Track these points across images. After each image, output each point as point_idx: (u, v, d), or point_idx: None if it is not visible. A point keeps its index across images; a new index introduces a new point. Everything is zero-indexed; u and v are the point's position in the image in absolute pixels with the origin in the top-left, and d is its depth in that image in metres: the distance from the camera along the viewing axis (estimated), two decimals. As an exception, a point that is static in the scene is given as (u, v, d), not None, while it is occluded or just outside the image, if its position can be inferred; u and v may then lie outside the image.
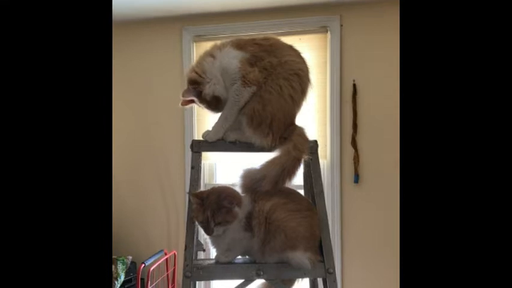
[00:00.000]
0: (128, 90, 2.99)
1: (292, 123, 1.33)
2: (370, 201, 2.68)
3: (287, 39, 1.37)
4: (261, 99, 1.26)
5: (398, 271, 0.90)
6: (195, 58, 2.83)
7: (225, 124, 1.31)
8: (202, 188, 1.33)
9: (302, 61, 1.33)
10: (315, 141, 1.34)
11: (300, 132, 1.31)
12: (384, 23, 2.62)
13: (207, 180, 2.92)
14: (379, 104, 2.65)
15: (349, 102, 2.68)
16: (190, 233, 1.27)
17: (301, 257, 1.21)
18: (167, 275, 2.76)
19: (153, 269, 2.52)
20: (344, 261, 2.72)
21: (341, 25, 2.68)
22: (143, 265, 2.46)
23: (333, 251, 1.29)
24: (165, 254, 2.73)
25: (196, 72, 1.31)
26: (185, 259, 1.23)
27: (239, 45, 1.31)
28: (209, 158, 2.85)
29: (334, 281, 1.23)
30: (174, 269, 2.82)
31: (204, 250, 1.40)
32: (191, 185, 1.31)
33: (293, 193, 1.31)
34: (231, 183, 1.31)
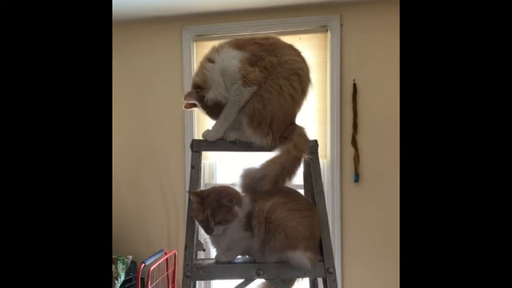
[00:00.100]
0: (128, 90, 2.99)
1: (292, 122, 1.33)
2: (370, 201, 2.68)
3: (287, 39, 1.37)
4: (261, 99, 1.26)
5: (398, 271, 0.90)
6: (195, 58, 2.85)
7: (225, 124, 1.31)
8: (202, 188, 1.33)
9: (302, 60, 1.33)
10: (315, 141, 1.34)
11: (300, 131, 1.31)
12: (384, 22, 2.62)
13: (207, 180, 2.92)
14: (379, 103, 2.65)
15: (349, 102, 2.68)
16: (190, 233, 1.27)
17: (301, 256, 1.21)
18: (167, 274, 2.76)
19: (153, 269, 2.52)
20: (344, 261, 2.72)
21: (341, 24, 2.67)
22: (143, 265, 2.46)
23: (333, 250, 1.29)
24: (165, 254, 2.73)
25: (200, 79, 1.32)
26: (185, 259, 1.23)
27: (238, 45, 1.31)
28: (209, 158, 2.85)
29: (334, 280, 1.23)
30: (174, 269, 2.82)
31: (204, 250, 1.40)
32: (191, 184, 1.31)
33: (293, 193, 1.31)
34: (231, 182, 1.31)
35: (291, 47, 1.34)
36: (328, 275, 1.23)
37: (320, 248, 1.26)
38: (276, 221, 1.21)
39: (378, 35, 2.64)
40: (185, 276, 1.22)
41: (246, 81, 1.25)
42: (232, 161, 2.82)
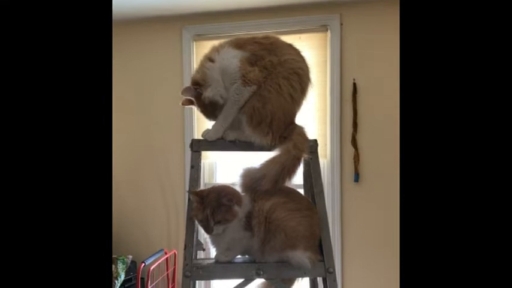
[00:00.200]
0: (127, 90, 2.99)
1: (292, 122, 1.32)
2: (370, 201, 2.68)
3: (287, 38, 1.37)
4: (261, 98, 1.26)
5: (398, 271, 0.90)
6: (195, 57, 2.85)
7: (225, 123, 1.30)
8: (202, 187, 1.33)
9: (302, 60, 1.33)
10: (315, 141, 1.34)
11: (300, 131, 1.30)
12: (384, 22, 2.62)
13: (207, 180, 2.92)
14: (379, 102, 2.65)
15: (349, 101, 2.68)
16: (190, 232, 1.27)
17: (301, 256, 1.21)
18: (167, 274, 2.76)
19: (153, 269, 2.52)
20: (344, 261, 2.72)
21: (341, 24, 2.67)
22: (143, 264, 2.46)
23: (333, 250, 1.29)
24: (165, 254, 2.73)
25: (200, 76, 1.31)
26: (185, 258, 1.23)
27: (238, 44, 1.31)
28: (209, 157, 2.85)
29: (334, 280, 1.23)
30: (174, 269, 2.82)
31: (204, 249, 1.40)
32: (191, 184, 1.31)
33: (293, 192, 1.30)
34: (231, 182, 1.31)
35: (290, 46, 1.34)
36: (328, 274, 1.23)
37: (320, 248, 1.26)
38: (276, 220, 1.20)
39: (378, 35, 2.64)
40: (185, 276, 1.22)
41: (245, 81, 1.25)
42: (232, 160, 2.82)
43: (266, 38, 1.33)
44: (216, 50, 1.32)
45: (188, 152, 2.78)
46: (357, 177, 2.66)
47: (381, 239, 2.65)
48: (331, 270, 1.23)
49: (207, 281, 2.92)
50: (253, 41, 1.31)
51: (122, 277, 2.62)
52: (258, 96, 1.26)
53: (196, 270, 1.22)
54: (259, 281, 1.34)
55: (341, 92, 2.68)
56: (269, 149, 1.28)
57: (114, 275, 2.56)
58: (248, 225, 1.22)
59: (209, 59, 1.32)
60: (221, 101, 1.30)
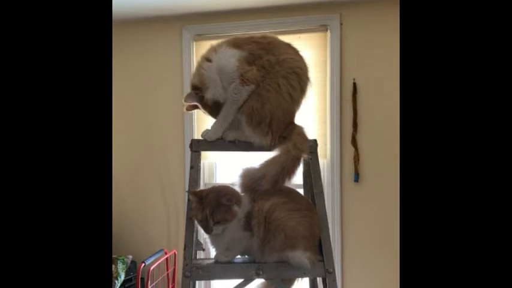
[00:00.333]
0: (128, 90, 2.99)
1: (292, 122, 1.32)
2: (370, 201, 2.68)
3: (287, 38, 1.37)
4: (260, 98, 1.25)
5: (398, 271, 0.90)
6: (195, 57, 2.84)
7: (224, 123, 1.30)
8: (202, 188, 1.33)
9: (300, 59, 1.32)
10: (315, 140, 1.33)
11: (300, 131, 1.30)
12: (384, 22, 2.62)
13: (206, 180, 2.92)
14: (379, 102, 2.64)
15: (349, 101, 2.68)
16: (190, 233, 1.27)
17: (300, 256, 1.21)
18: (167, 274, 2.76)
19: (153, 269, 2.52)
20: (344, 261, 2.72)
21: (341, 24, 2.67)
22: (143, 264, 2.46)
23: (333, 250, 1.29)
24: (165, 254, 2.73)
25: (198, 79, 1.31)
26: (184, 258, 1.23)
27: (236, 43, 1.30)
28: (209, 157, 2.85)
29: (334, 280, 1.23)
30: (174, 269, 2.82)
31: (203, 249, 1.40)
32: (190, 184, 1.31)
33: (293, 192, 1.30)
34: (230, 182, 1.31)
35: (289, 45, 1.34)
36: (328, 274, 1.22)
37: (320, 248, 1.26)
38: (276, 220, 1.20)
39: (378, 35, 2.64)
40: (184, 276, 1.22)
41: (243, 80, 1.25)
42: (232, 160, 2.81)
43: (264, 37, 1.33)
44: (213, 49, 1.32)
45: (188, 152, 2.78)
46: (356, 177, 2.66)
47: (380, 239, 2.65)
48: (331, 270, 1.23)
49: (207, 281, 2.92)
50: (251, 40, 1.31)
51: (122, 277, 2.62)
52: (257, 96, 1.26)
53: (196, 270, 1.22)
54: (259, 281, 1.34)
55: (341, 92, 2.68)
56: (269, 149, 1.28)
57: (114, 275, 2.56)
58: (248, 225, 1.22)
59: (206, 59, 1.31)
60: (223, 101, 1.30)
